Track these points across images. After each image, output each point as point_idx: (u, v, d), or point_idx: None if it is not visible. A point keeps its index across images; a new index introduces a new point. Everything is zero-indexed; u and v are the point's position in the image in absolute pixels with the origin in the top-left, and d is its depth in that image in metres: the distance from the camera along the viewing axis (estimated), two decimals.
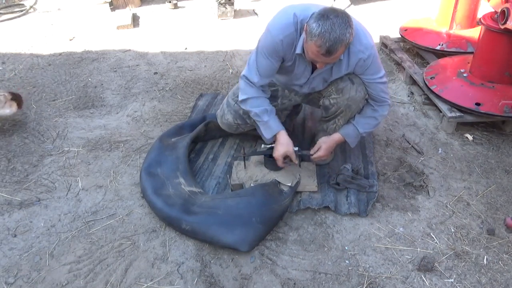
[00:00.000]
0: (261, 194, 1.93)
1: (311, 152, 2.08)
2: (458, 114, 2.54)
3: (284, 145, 1.97)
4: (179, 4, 5.16)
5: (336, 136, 2.07)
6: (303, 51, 1.75)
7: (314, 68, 1.90)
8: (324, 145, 2.06)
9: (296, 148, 2.08)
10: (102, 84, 3.28)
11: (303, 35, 1.69)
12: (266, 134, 2.01)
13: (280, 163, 2.00)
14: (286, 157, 2.01)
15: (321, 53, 1.61)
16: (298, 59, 1.86)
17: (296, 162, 2.04)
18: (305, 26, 1.64)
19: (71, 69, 3.54)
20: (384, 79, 1.94)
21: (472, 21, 3.33)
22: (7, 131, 2.65)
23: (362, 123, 2.04)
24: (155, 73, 3.46)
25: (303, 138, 2.50)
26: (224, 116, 2.24)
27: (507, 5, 2.27)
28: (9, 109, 2.54)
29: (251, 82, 1.94)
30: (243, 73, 1.97)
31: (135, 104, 2.99)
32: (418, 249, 1.82)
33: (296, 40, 1.78)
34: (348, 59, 1.83)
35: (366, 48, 1.79)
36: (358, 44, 1.77)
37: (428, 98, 2.84)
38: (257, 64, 1.89)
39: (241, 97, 1.99)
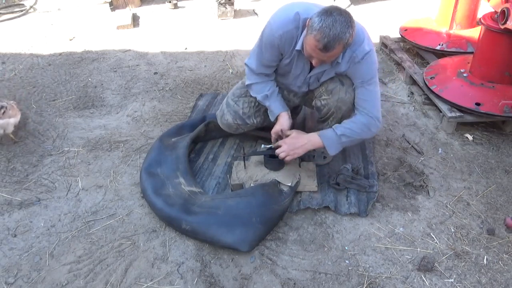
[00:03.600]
0: (261, 194, 1.93)
1: (273, 145, 2.03)
2: (458, 114, 2.54)
3: (279, 124, 2.05)
4: (179, 4, 5.16)
5: (313, 137, 1.94)
6: (303, 48, 1.76)
7: (311, 68, 1.91)
8: (288, 141, 1.95)
9: None
10: (102, 84, 3.28)
11: (305, 32, 1.70)
12: (271, 117, 2.11)
13: (273, 140, 2.08)
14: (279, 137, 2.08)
15: (319, 48, 1.62)
16: (297, 57, 1.87)
17: (288, 136, 2.01)
18: (307, 21, 1.66)
19: (71, 69, 3.54)
20: (373, 86, 1.87)
21: (472, 21, 3.33)
22: None
23: (339, 125, 1.92)
24: (155, 73, 3.46)
25: None
26: (224, 116, 2.24)
27: (507, 5, 2.27)
28: (19, 116, 2.58)
29: (252, 69, 2.01)
30: (245, 60, 2.05)
31: (135, 104, 2.99)
32: (418, 249, 1.82)
33: (296, 37, 1.79)
34: (343, 61, 1.84)
35: (362, 53, 1.79)
36: (355, 48, 1.79)
37: (428, 98, 2.83)
38: (259, 54, 1.93)
39: (246, 82, 2.09)
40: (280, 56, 1.90)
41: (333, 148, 1.92)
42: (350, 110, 2.02)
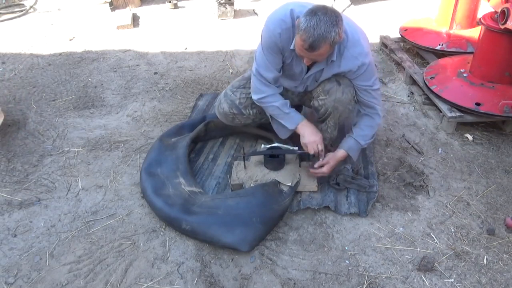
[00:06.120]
0: (261, 194, 1.93)
1: (316, 165, 2.02)
2: (458, 114, 2.54)
3: (315, 134, 1.99)
4: (179, 4, 5.16)
5: (340, 153, 2.03)
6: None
7: (309, 68, 1.92)
8: (332, 162, 2.02)
9: (296, 148, 2.08)
10: (102, 84, 3.28)
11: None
12: (290, 125, 2.02)
13: (316, 148, 1.99)
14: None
15: (305, 48, 1.64)
16: (295, 57, 1.87)
17: (322, 153, 2.03)
18: (296, 21, 1.68)
19: (71, 69, 3.54)
20: (377, 86, 1.94)
21: (472, 21, 3.33)
22: (7, 131, 2.65)
23: (361, 135, 2.03)
24: (155, 73, 3.46)
25: None
26: (221, 105, 2.25)
27: (507, 5, 2.27)
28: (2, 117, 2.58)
29: (266, 79, 1.95)
30: (254, 70, 1.97)
31: (135, 104, 2.99)
32: (418, 249, 1.82)
33: (293, 36, 1.79)
34: (340, 63, 1.84)
35: (360, 55, 1.80)
36: (352, 50, 1.79)
37: (428, 98, 2.83)
38: (267, 60, 1.89)
39: (257, 96, 2.01)
40: (282, 57, 1.89)
41: (356, 157, 2.10)
42: (348, 111, 2.01)
